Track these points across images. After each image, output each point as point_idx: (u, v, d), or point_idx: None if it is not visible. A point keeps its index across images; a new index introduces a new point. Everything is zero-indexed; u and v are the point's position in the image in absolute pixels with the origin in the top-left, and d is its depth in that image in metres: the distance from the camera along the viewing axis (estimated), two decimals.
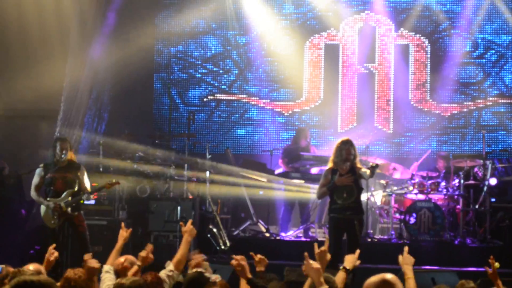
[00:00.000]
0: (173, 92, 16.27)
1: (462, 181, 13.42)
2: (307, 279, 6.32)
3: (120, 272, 7.01)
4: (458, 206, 13.58)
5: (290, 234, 13.79)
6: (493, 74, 16.07)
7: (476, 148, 15.57)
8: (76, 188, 10.78)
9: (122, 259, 7.20)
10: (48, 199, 10.75)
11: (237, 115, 16.38)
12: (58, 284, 5.94)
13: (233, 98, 16.41)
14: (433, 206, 13.15)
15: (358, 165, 10.69)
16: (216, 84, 16.46)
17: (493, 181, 13.60)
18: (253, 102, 16.36)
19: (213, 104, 16.42)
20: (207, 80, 16.48)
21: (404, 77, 16.11)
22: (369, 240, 13.13)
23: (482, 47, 16.10)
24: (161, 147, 14.35)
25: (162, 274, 6.82)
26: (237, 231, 13.95)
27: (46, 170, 10.83)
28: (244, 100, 16.39)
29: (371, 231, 13.65)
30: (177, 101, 16.35)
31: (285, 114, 16.27)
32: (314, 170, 14.13)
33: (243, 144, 16.32)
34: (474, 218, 13.53)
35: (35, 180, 10.88)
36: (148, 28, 16.09)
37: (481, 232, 13.35)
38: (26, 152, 14.20)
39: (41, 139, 14.04)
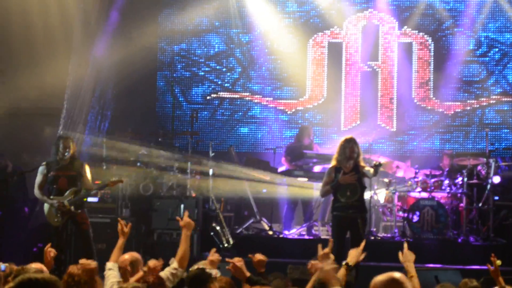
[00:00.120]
0: (176, 90, 16.26)
1: (465, 179, 13.41)
2: (311, 278, 6.35)
3: (124, 270, 7.02)
4: (461, 204, 13.58)
5: (293, 232, 13.79)
6: (497, 72, 16.06)
7: (480, 146, 15.56)
8: (79, 186, 10.79)
9: (126, 255, 7.20)
10: (51, 197, 10.76)
11: (240, 113, 16.38)
12: (62, 281, 5.95)
13: (236, 96, 16.42)
14: (436, 204, 13.14)
15: (362, 163, 10.69)
16: (219, 82, 16.46)
17: (496, 179, 13.59)
18: (256, 100, 16.35)
19: (216, 102, 16.42)
20: (210, 78, 16.48)
21: (408, 75, 16.10)
22: (372, 238, 13.13)
23: (485, 45, 16.08)
24: (164, 145, 14.35)
25: (166, 272, 6.82)
26: (240, 229, 13.95)
27: (49, 168, 10.83)
28: (247, 98, 16.39)
29: (374, 229, 13.64)
30: (180, 99, 16.36)
31: (288, 112, 16.26)
32: (317, 168, 14.13)
33: (246, 142, 16.33)
34: (478, 216, 13.52)
35: (38, 178, 10.89)
36: (151, 26, 16.08)
37: (484, 230, 13.34)
38: (29, 150, 14.21)
39: (44, 137, 14.05)
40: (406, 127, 16.07)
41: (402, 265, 6.09)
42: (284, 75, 16.28)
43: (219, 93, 16.42)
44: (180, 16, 16.34)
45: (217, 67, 16.50)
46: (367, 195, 12.11)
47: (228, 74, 16.47)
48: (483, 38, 16.08)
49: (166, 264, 6.99)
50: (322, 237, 13.27)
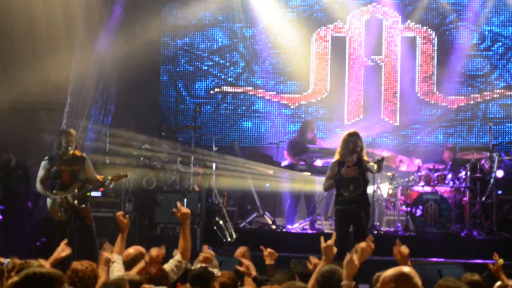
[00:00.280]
0: (179, 84, 16.27)
1: (468, 173, 13.40)
2: (314, 272, 6.34)
3: (128, 263, 7.02)
4: (464, 199, 13.56)
5: (296, 226, 13.79)
6: (500, 66, 16.03)
7: (483, 140, 15.55)
8: (82, 181, 10.79)
9: (131, 249, 7.20)
10: (54, 192, 10.76)
11: (243, 108, 16.38)
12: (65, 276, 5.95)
13: (240, 90, 16.41)
14: (439, 198, 13.14)
15: (365, 158, 10.69)
16: (222, 77, 16.46)
17: (499, 174, 13.58)
18: (259, 95, 16.35)
19: (220, 96, 16.42)
20: (214, 72, 16.48)
21: (411, 70, 16.08)
22: (376, 232, 13.13)
23: (489, 39, 16.06)
24: (168, 140, 14.36)
25: (171, 264, 6.83)
26: (243, 223, 13.96)
27: (52, 163, 10.81)
28: (250, 93, 16.38)
29: (378, 224, 13.65)
30: (183, 93, 16.36)
31: (292, 107, 16.26)
32: (320, 163, 14.12)
33: (249, 136, 16.32)
34: (481, 211, 13.52)
35: (41, 173, 10.87)
36: (155, 20, 16.08)
37: (487, 225, 13.33)
38: (32, 144, 14.22)
39: (47, 132, 14.06)
40: (410, 121, 16.06)
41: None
42: (288, 69, 16.27)
43: (222, 87, 16.42)
44: (183, 11, 16.33)
45: (221, 61, 16.49)
46: (370, 189, 12.12)
47: (232, 68, 16.46)
48: (486, 32, 16.05)
49: (169, 256, 7.00)
50: (325, 231, 13.27)
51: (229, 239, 12.94)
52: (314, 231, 13.43)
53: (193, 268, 6.77)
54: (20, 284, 4.07)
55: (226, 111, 16.39)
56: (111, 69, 15.26)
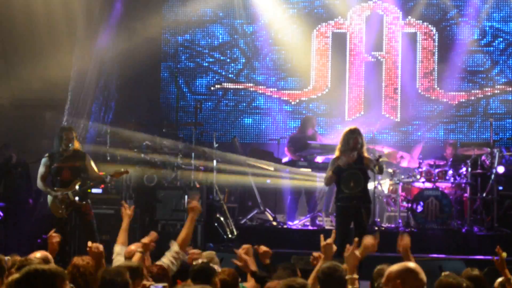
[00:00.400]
0: (180, 81, 16.27)
1: (469, 169, 13.40)
2: (315, 268, 6.35)
3: (130, 259, 7.03)
4: (465, 194, 13.56)
5: (297, 223, 13.79)
6: (501, 62, 16.02)
7: (484, 136, 15.53)
8: (83, 177, 10.79)
9: (133, 246, 7.21)
10: (55, 188, 10.76)
11: (244, 104, 16.38)
12: (66, 272, 5.96)
13: (240, 86, 16.41)
14: (440, 194, 13.13)
15: (365, 154, 10.69)
16: (223, 73, 16.46)
17: (500, 169, 13.57)
18: (260, 91, 16.34)
19: (220, 93, 16.42)
20: (214, 69, 16.48)
21: (412, 66, 16.07)
22: (376, 228, 13.13)
23: (490, 35, 16.04)
24: (168, 136, 14.36)
25: (169, 256, 6.83)
26: (244, 219, 13.97)
27: (52, 160, 10.82)
28: (251, 89, 16.38)
29: (378, 220, 13.64)
30: (184, 90, 16.36)
31: (292, 103, 16.25)
32: (320, 159, 14.11)
33: (250, 133, 16.32)
34: (482, 206, 13.51)
35: (41, 170, 10.88)
36: (155, 17, 16.08)
37: (488, 220, 13.33)
38: (33, 141, 14.22)
39: (48, 129, 14.07)
40: (410, 117, 16.04)
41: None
42: (288, 66, 16.27)
43: (223, 83, 16.42)
44: (184, 7, 16.32)
45: (221, 57, 16.49)
46: (371, 185, 12.11)
47: (232, 64, 16.46)
48: (487, 28, 16.03)
49: (166, 247, 7.00)
50: (326, 227, 13.27)
51: (230, 236, 12.95)
52: (315, 228, 13.42)
53: (194, 263, 6.78)
54: (22, 281, 4.08)
55: (227, 107, 16.39)
56: (111, 66, 15.26)
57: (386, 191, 14.03)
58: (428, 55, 16.08)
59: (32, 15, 14.54)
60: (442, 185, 13.50)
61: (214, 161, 13.67)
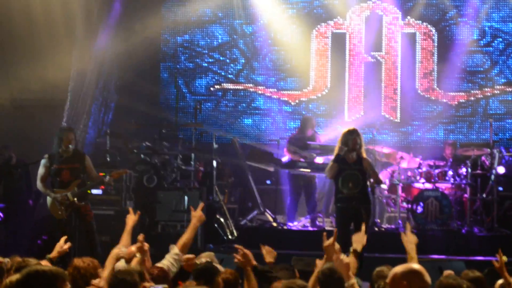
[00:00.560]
0: (179, 81, 16.25)
1: (469, 169, 13.39)
2: (315, 270, 6.34)
3: (131, 261, 7.02)
4: (465, 195, 13.56)
5: (297, 224, 13.78)
6: (501, 62, 16.01)
7: (484, 136, 15.51)
8: (82, 178, 10.78)
9: (133, 248, 7.20)
10: (54, 190, 10.75)
11: (244, 105, 16.37)
12: (66, 273, 5.95)
13: (240, 87, 16.40)
14: (440, 195, 13.13)
15: (364, 155, 10.69)
16: (222, 74, 16.44)
17: (500, 170, 13.57)
18: (260, 91, 16.33)
19: (220, 93, 16.40)
20: (214, 69, 16.46)
21: (411, 66, 16.05)
22: (376, 229, 13.13)
23: (489, 35, 16.03)
24: (168, 137, 14.35)
25: (169, 258, 6.82)
26: (244, 220, 13.96)
27: (51, 161, 10.81)
28: (251, 90, 16.37)
29: (378, 220, 13.63)
30: (183, 90, 16.34)
31: (292, 103, 16.24)
32: (320, 160, 14.10)
33: (250, 133, 16.30)
34: (482, 207, 13.51)
35: (41, 171, 10.87)
36: (154, 17, 16.05)
37: (488, 221, 13.32)
38: (33, 142, 14.21)
39: (47, 129, 14.06)
40: (410, 117, 16.03)
41: (407, 256, 6.07)
42: (288, 66, 16.25)
43: (222, 84, 16.40)
44: (183, 7, 16.30)
45: (221, 58, 16.47)
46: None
47: (232, 65, 16.45)
48: (487, 28, 16.03)
49: (166, 251, 6.99)
50: (326, 228, 13.25)
51: (230, 237, 12.94)
52: (315, 229, 13.41)
53: (198, 262, 6.79)
54: (23, 282, 4.08)
55: (227, 108, 16.37)
56: (111, 66, 15.26)
57: (386, 192, 14.00)
58: (428, 56, 16.08)
59: (31, 16, 14.53)
60: (442, 185, 13.50)
61: (214, 162, 13.66)
